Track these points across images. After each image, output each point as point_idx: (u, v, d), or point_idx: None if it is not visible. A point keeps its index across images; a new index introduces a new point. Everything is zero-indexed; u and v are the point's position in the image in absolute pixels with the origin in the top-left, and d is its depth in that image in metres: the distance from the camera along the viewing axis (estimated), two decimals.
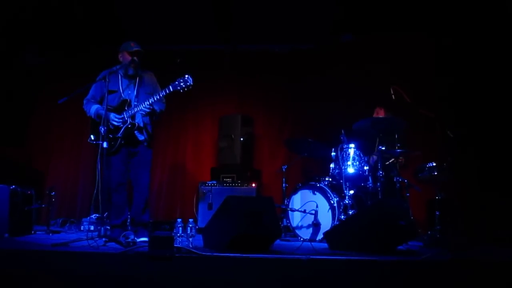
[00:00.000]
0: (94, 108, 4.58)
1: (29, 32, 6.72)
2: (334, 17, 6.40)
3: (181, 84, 4.20)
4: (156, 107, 4.49)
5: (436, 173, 4.85)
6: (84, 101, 4.70)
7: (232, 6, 6.27)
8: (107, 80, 4.26)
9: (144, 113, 4.44)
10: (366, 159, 5.25)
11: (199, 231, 5.09)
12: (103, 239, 3.84)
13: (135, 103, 4.50)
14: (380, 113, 5.65)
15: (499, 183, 5.75)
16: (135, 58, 4.53)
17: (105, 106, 4.27)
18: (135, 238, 4.00)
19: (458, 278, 3.12)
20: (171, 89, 4.28)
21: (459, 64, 6.30)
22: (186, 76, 4.21)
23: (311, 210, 5.02)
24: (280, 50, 7.22)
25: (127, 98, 4.53)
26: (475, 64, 6.18)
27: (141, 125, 4.55)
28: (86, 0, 6.09)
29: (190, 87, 4.21)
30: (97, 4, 6.16)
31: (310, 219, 5.02)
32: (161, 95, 4.34)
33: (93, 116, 4.57)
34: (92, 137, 4.52)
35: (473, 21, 6.01)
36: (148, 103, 4.36)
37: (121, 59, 4.63)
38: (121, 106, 4.50)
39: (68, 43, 7.05)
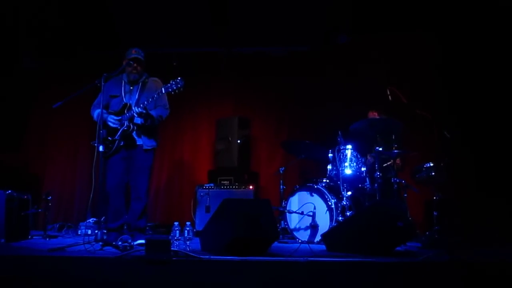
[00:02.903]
0: (97, 112, 4.63)
1: (26, 36, 6.70)
2: (329, 18, 6.40)
3: (173, 86, 4.23)
4: (153, 112, 4.49)
5: (433, 174, 4.85)
6: (91, 107, 4.77)
7: (229, 9, 6.27)
8: (102, 83, 4.25)
9: (136, 114, 4.41)
10: (363, 160, 5.24)
11: (197, 234, 5.09)
12: (100, 243, 3.82)
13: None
14: (374, 117, 5.64)
15: (497, 183, 5.75)
16: (129, 65, 4.54)
17: (101, 107, 4.27)
18: (132, 242, 3.99)
19: (456, 279, 3.11)
20: (163, 91, 4.31)
21: (456, 64, 6.31)
22: (178, 78, 4.23)
23: (308, 212, 5.01)
24: (276, 53, 7.21)
25: (127, 102, 4.55)
26: (472, 63, 6.18)
27: (141, 126, 4.54)
28: (80, 4, 6.07)
29: (182, 89, 4.23)
30: (92, 8, 6.14)
31: (308, 221, 5.02)
32: (155, 97, 4.35)
33: (96, 120, 4.59)
34: (96, 140, 4.52)
35: (470, 18, 6.00)
36: (142, 105, 4.36)
37: (124, 64, 4.63)
38: (122, 110, 4.53)
39: (63, 48, 7.02)
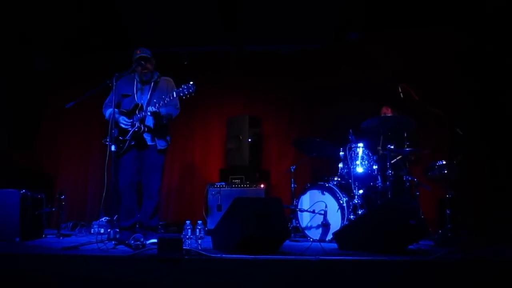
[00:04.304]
0: (108, 111, 4.67)
1: (38, 38, 6.77)
2: (340, 15, 6.37)
3: (184, 90, 4.24)
4: (162, 110, 4.50)
5: (446, 171, 4.81)
6: (103, 105, 4.81)
7: (239, 8, 6.27)
8: (114, 83, 4.28)
9: (150, 113, 4.43)
10: (375, 158, 5.21)
11: (208, 232, 5.10)
12: (113, 242, 3.85)
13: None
14: (388, 113, 5.61)
15: (510, 180, 5.69)
16: (139, 65, 4.55)
17: (113, 107, 4.30)
18: (144, 241, 4.01)
19: (469, 278, 3.09)
20: (175, 95, 4.32)
21: (468, 59, 6.23)
22: (191, 83, 4.24)
23: (320, 210, 5.00)
24: (286, 51, 7.19)
25: (139, 102, 4.57)
26: (485, 59, 6.11)
27: (152, 127, 4.57)
28: (91, 5, 6.11)
29: (193, 94, 4.25)
30: (102, 9, 6.18)
31: (319, 219, 5.01)
32: (166, 100, 4.36)
33: (108, 119, 4.64)
34: (107, 138, 4.55)
35: (484, 12, 5.95)
36: (157, 106, 4.38)
37: (134, 65, 4.66)
38: (133, 110, 4.55)
39: (75, 48, 7.09)
